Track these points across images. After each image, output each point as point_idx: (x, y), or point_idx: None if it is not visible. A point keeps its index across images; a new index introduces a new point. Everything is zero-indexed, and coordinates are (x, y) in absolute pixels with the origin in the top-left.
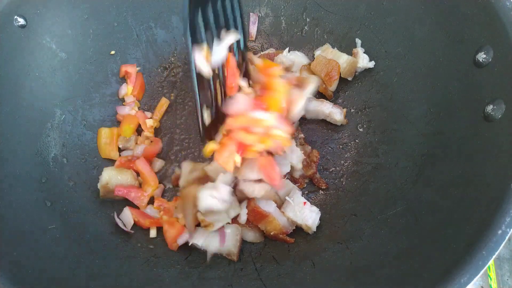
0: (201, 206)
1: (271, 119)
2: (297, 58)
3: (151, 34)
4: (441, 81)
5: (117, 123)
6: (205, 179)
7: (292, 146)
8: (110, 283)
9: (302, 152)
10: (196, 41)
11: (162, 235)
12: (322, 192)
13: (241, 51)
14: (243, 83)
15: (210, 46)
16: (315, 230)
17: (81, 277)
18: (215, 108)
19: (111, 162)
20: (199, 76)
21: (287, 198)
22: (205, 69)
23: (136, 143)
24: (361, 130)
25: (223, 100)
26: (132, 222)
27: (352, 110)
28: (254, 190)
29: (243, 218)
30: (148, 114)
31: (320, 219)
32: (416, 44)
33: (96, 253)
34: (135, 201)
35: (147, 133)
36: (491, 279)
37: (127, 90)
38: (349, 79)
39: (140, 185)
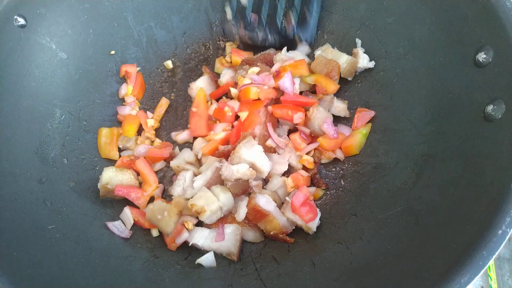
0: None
1: None
2: (297, 57)
3: (151, 34)
4: (441, 81)
5: (117, 123)
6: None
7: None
8: (110, 283)
9: None
10: None
11: (161, 235)
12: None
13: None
14: None
15: None
16: (315, 230)
17: (81, 277)
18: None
19: (111, 162)
20: None
21: (287, 198)
22: None
23: (136, 143)
24: None
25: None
26: (132, 222)
27: (352, 110)
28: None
29: (241, 215)
30: (149, 114)
31: (320, 219)
32: (416, 44)
33: (96, 253)
34: (135, 201)
35: (148, 133)
36: (491, 279)
37: (127, 90)
38: (349, 79)
39: (140, 185)
